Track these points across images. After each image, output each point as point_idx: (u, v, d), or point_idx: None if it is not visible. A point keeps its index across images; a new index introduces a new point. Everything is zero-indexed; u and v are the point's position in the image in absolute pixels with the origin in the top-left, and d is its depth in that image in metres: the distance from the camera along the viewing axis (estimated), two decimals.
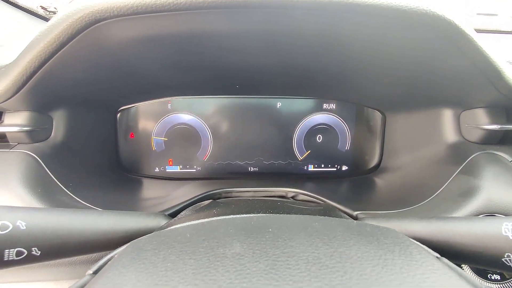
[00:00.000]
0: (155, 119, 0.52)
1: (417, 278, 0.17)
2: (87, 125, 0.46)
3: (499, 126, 0.39)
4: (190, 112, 0.52)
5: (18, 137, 0.38)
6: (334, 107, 0.54)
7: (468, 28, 0.30)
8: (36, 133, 0.39)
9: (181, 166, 0.54)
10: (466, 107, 0.42)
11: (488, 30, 0.64)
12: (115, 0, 0.28)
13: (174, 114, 0.52)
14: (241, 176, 0.54)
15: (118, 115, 0.52)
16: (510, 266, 0.23)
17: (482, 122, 0.40)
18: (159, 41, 0.33)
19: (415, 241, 0.22)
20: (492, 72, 0.33)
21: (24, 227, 0.22)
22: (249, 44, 0.36)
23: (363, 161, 0.55)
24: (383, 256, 0.18)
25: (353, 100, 0.54)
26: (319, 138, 0.54)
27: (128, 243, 0.22)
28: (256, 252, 0.18)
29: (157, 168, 0.54)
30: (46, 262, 0.29)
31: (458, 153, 0.41)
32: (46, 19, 0.59)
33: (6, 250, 0.21)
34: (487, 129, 0.39)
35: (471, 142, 0.42)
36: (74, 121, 0.43)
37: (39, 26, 0.42)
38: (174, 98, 0.52)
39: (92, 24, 0.29)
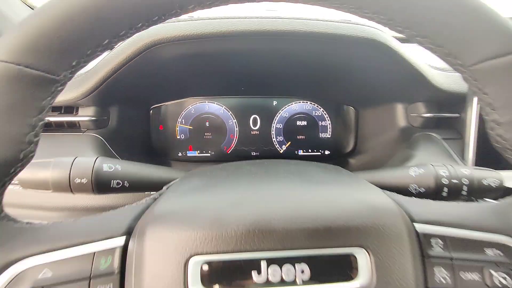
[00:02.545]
0: (179, 114, 0.68)
1: (342, 179, 0.31)
2: (130, 118, 0.61)
3: (432, 115, 0.54)
4: (215, 103, 0.68)
5: (87, 125, 0.54)
6: (319, 105, 0.69)
7: (396, 44, 0.46)
8: (99, 122, 0.54)
9: (198, 151, 0.69)
10: (411, 102, 0.57)
11: None
12: (166, 32, 0.43)
13: (198, 106, 0.68)
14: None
15: (151, 112, 0.67)
16: (412, 192, 0.38)
17: (421, 112, 0.55)
18: (192, 57, 0.49)
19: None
20: (420, 77, 0.49)
21: (120, 169, 0.37)
22: (252, 59, 0.52)
23: (341, 147, 0.70)
24: (328, 172, 0.33)
25: (334, 100, 0.69)
26: (306, 128, 0.70)
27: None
28: (261, 172, 0.33)
29: (180, 153, 0.69)
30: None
31: (405, 135, 0.57)
32: None
33: (112, 180, 0.36)
34: (424, 117, 0.55)
35: (415, 126, 0.57)
36: (122, 114, 0.59)
37: None
38: (193, 98, 0.67)
39: (150, 47, 0.44)
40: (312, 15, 0.46)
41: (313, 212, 0.24)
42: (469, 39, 0.23)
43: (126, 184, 0.38)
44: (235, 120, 0.69)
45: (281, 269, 0.22)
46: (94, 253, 0.24)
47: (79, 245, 0.24)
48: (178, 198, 0.27)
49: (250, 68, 0.56)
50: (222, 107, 0.68)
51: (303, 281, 0.22)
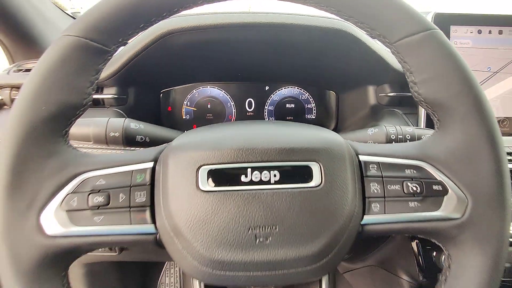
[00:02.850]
0: (185, 97, 0.79)
1: (311, 127, 0.42)
2: (144, 99, 0.72)
3: (395, 94, 0.66)
4: (216, 88, 0.79)
5: (110, 102, 0.65)
6: (305, 90, 0.81)
7: (361, 34, 0.57)
8: (120, 100, 0.66)
9: None
10: (379, 84, 0.69)
11: None
12: (179, 23, 0.55)
13: (201, 90, 0.79)
14: None
15: (161, 95, 0.79)
16: None
17: (387, 92, 0.66)
18: (198, 45, 0.61)
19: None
20: (382, 62, 0.60)
21: (143, 127, 0.49)
22: (247, 48, 0.63)
23: (325, 126, 0.81)
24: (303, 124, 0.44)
25: (318, 85, 0.81)
26: (294, 110, 0.81)
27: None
28: (250, 123, 0.44)
29: (185, 131, 0.80)
30: None
31: (375, 112, 0.68)
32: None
33: (137, 136, 0.48)
34: (389, 96, 0.66)
35: (382, 104, 0.68)
36: (138, 95, 0.70)
37: None
38: (197, 83, 0.79)
39: (165, 36, 0.56)
40: (301, 11, 0.58)
41: (283, 138, 0.35)
42: (392, 23, 0.35)
43: (148, 139, 0.49)
44: (233, 103, 0.80)
45: (261, 174, 0.33)
46: (132, 171, 0.35)
47: (122, 165, 0.36)
48: (189, 136, 0.38)
49: (245, 56, 0.68)
50: (222, 91, 0.80)
51: (275, 181, 0.33)
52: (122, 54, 0.59)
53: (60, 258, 0.33)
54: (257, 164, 0.34)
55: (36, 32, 0.68)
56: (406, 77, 0.37)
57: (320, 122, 0.81)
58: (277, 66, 0.73)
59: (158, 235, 0.35)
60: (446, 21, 0.58)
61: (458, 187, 0.35)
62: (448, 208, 0.35)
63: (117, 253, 0.71)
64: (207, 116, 0.80)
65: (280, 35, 0.59)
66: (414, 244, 0.64)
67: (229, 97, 0.80)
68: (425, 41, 0.34)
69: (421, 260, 0.63)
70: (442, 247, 0.37)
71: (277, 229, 0.32)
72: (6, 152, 0.31)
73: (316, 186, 0.34)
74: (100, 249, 0.68)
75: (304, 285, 0.41)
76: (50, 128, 0.33)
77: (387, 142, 0.49)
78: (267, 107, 0.81)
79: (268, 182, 0.33)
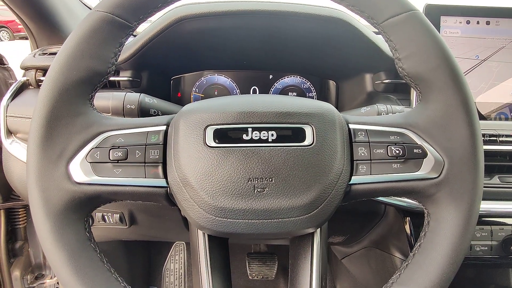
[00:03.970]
0: (193, 84, 0.84)
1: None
2: (156, 84, 0.78)
3: (390, 80, 0.70)
4: (223, 76, 0.85)
5: (126, 84, 0.70)
6: (307, 79, 0.85)
7: (357, 23, 0.62)
8: (134, 83, 0.71)
9: None
10: (375, 72, 0.73)
11: None
12: (190, 10, 0.60)
13: (209, 78, 0.85)
14: None
15: (172, 81, 0.84)
16: None
17: (382, 79, 0.71)
18: (207, 33, 0.66)
19: None
20: (378, 50, 0.65)
21: (156, 102, 0.54)
22: (252, 36, 0.68)
23: None
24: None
25: (318, 75, 0.85)
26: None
27: None
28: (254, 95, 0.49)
29: None
30: None
31: (371, 98, 0.72)
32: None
33: (151, 109, 0.53)
34: (385, 83, 0.70)
35: (378, 91, 0.73)
36: (151, 80, 0.75)
37: None
38: (205, 71, 0.84)
39: (178, 22, 0.61)
40: (302, 1, 0.63)
41: (281, 104, 0.40)
42: (379, 6, 0.40)
43: (160, 113, 0.54)
44: (239, 91, 0.85)
45: (260, 134, 0.38)
46: (148, 132, 0.40)
47: (139, 127, 0.41)
48: (197, 103, 0.43)
49: (251, 44, 0.73)
50: (228, 79, 0.85)
51: (272, 140, 0.38)
52: (138, 40, 0.65)
53: (84, 203, 0.38)
54: (256, 125, 0.38)
55: (59, 20, 0.74)
56: (392, 54, 0.41)
57: None
58: (280, 55, 0.77)
59: (169, 189, 0.40)
60: (436, 12, 0.63)
61: (436, 150, 0.39)
62: (426, 169, 0.39)
63: (127, 226, 0.76)
64: None
65: (284, 23, 0.64)
66: (406, 223, 0.68)
67: (235, 85, 0.85)
68: (407, 20, 0.39)
69: (412, 238, 0.67)
70: (422, 206, 0.42)
71: (273, 181, 0.37)
72: (41, 108, 0.36)
73: (308, 145, 0.38)
74: (111, 221, 0.73)
75: (295, 263, 0.45)
76: (79, 91, 0.38)
77: None
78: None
79: (266, 141, 0.38)
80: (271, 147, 0.38)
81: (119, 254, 1.06)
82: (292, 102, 0.41)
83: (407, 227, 0.68)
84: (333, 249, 1.01)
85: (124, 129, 0.40)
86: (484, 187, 0.62)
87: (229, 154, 0.37)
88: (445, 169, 0.39)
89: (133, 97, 0.52)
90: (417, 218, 0.65)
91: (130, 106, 0.52)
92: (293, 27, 0.66)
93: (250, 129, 0.38)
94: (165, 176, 0.39)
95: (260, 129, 0.38)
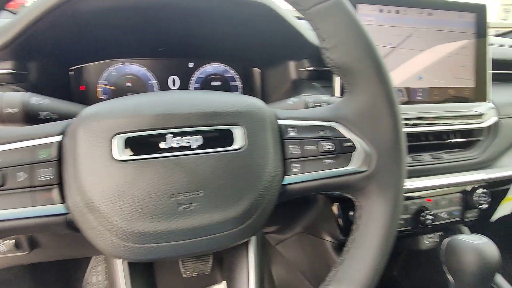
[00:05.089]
0: (100, 75, 0.72)
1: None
2: (49, 75, 0.64)
3: (313, 68, 0.70)
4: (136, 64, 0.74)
5: (6, 78, 0.56)
6: (231, 67, 0.81)
7: (280, 9, 0.59)
8: (18, 76, 0.57)
9: None
10: (299, 59, 0.72)
11: None
12: None
13: (119, 67, 0.73)
14: None
15: (71, 72, 0.70)
16: None
17: (306, 66, 0.70)
18: (110, 13, 0.55)
19: None
20: (301, 37, 0.63)
21: (49, 102, 0.43)
22: (167, 18, 0.60)
23: None
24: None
25: (242, 62, 0.81)
26: (221, 88, 0.80)
27: None
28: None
29: None
30: None
31: (296, 86, 0.72)
32: None
33: (40, 112, 0.42)
34: (308, 70, 0.70)
35: (302, 79, 0.72)
36: (42, 71, 0.62)
37: None
38: (113, 60, 0.73)
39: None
40: None
41: (205, 103, 0.35)
42: None
43: (55, 116, 0.44)
44: (156, 81, 0.76)
45: (182, 140, 0.32)
46: (35, 146, 0.31)
47: (22, 141, 0.31)
48: (101, 105, 0.35)
49: (165, 28, 0.65)
50: (143, 68, 0.75)
51: (198, 146, 0.33)
52: (18, 20, 0.51)
53: None
54: (178, 130, 0.33)
55: None
56: (320, 43, 0.39)
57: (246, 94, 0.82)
58: (200, 41, 0.71)
59: (69, 215, 0.32)
60: (353, 0, 0.63)
61: (365, 142, 0.39)
62: (357, 163, 0.39)
63: (27, 252, 0.63)
64: (127, 95, 0.75)
65: (200, 5, 0.57)
66: (334, 207, 0.70)
67: (151, 75, 0.75)
68: (333, 9, 0.36)
69: (341, 221, 0.70)
70: (354, 199, 0.41)
71: (201, 194, 0.32)
72: None
73: (239, 149, 0.34)
74: (3, 249, 0.60)
75: (231, 254, 0.42)
76: None
77: None
78: (192, 85, 0.78)
79: (190, 148, 0.33)
80: (197, 155, 0.32)
81: (25, 278, 0.90)
82: (218, 99, 0.36)
83: (335, 211, 0.70)
84: (267, 236, 1.02)
85: (1, 144, 0.30)
86: None
87: (145, 168, 0.31)
88: (374, 162, 0.39)
89: (14, 98, 0.41)
90: (345, 202, 0.68)
91: (10, 110, 0.40)
92: (210, 10, 0.59)
93: (169, 136, 0.32)
94: (63, 201, 0.31)
95: (182, 134, 0.33)
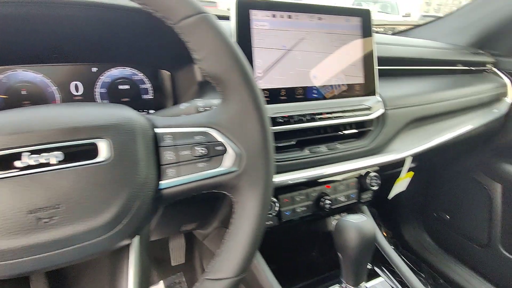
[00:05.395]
0: None
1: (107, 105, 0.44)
2: None
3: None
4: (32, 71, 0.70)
5: None
6: (138, 70, 0.80)
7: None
8: None
9: None
10: None
11: None
12: None
13: (10, 74, 0.69)
14: None
15: None
16: None
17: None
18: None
19: None
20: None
21: None
22: (54, 22, 0.58)
23: (163, 105, 0.84)
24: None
25: (150, 65, 0.81)
26: (129, 91, 0.80)
27: None
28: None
29: None
30: None
31: (202, 87, 0.74)
32: None
33: None
34: None
35: (207, 81, 0.75)
36: None
37: None
38: (2, 67, 0.68)
39: None
40: None
41: (65, 119, 0.36)
42: (170, 7, 0.39)
43: None
44: (56, 87, 0.73)
45: (39, 157, 0.33)
46: None
47: None
48: None
49: (56, 33, 0.62)
50: (39, 74, 0.71)
51: (59, 161, 0.34)
52: None
53: None
54: (34, 147, 0.33)
55: None
56: (192, 55, 0.42)
57: (158, 101, 0.83)
58: (97, 46, 0.70)
59: None
60: (246, 6, 0.67)
61: (236, 145, 0.43)
62: (228, 164, 0.43)
63: None
64: (23, 103, 0.71)
65: (87, 13, 0.57)
66: None
67: (50, 81, 0.72)
68: (199, 23, 0.40)
69: None
70: (231, 196, 0.46)
71: (62, 208, 0.33)
72: None
73: (103, 161, 0.36)
74: None
75: (111, 257, 0.44)
76: None
77: None
78: (98, 90, 0.77)
79: (48, 164, 0.33)
80: (56, 171, 0.33)
81: None
82: (82, 114, 0.37)
83: None
84: (194, 232, 1.05)
85: None
86: (297, 158, 0.74)
87: None
88: (244, 162, 0.43)
89: None
90: None
91: None
92: (100, 16, 0.59)
93: (26, 154, 0.33)
94: None
95: (39, 152, 0.33)
